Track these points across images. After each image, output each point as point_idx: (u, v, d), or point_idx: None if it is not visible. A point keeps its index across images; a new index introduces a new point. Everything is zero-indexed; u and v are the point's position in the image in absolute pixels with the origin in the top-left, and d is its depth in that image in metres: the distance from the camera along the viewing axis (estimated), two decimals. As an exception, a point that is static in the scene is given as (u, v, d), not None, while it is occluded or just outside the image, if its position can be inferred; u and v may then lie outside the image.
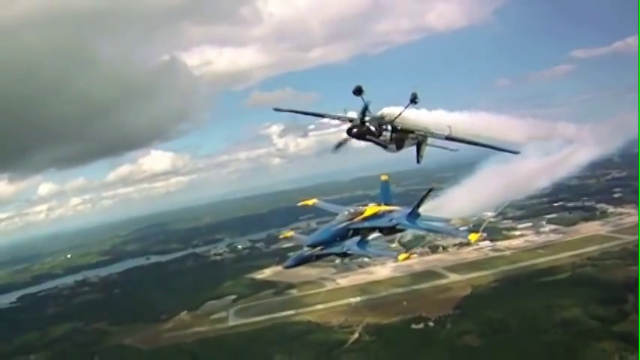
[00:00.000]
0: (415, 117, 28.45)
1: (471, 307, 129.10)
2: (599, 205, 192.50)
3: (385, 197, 36.27)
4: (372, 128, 27.62)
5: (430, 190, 32.89)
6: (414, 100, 26.23)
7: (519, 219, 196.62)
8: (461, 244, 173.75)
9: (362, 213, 33.76)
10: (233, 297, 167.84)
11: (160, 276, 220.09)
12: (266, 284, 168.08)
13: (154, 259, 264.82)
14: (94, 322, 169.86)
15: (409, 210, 33.36)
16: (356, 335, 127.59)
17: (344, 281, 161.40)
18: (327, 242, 32.69)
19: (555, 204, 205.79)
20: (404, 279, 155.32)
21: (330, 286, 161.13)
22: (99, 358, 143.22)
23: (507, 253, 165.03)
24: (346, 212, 33.86)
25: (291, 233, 40.40)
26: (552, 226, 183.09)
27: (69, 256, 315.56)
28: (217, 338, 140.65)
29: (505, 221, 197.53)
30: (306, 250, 32.98)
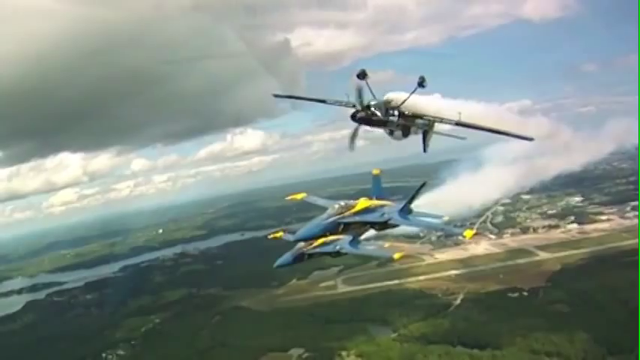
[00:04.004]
0: (424, 104, 28.59)
1: (561, 281, 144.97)
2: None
3: (377, 192, 37.20)
4: (378, 113, 27.59)
5: (422, 185, 33.91)
6: (421, 84, 26.20)
7: (606, 204, 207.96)
8: (550, 226, 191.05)
9: (353, 207, 34.27)
10: (339, 268, 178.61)
11: (259, 249, 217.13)
12: (368, 257, 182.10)
13: (248, 234, 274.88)
14: (207, 288, 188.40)
15: (401, 205, 34.39)
16: (458, 301, 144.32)
17: (442, 256, 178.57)
18: (317, 237, 33.43)
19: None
20: (498, 255, 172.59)
21: (429, 260, 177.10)
22: (220, 318, 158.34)
23: (594, 235, 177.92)
24: (336, 206, 34.15)
25: (280, 234, 39.93)
26: (637, 212, 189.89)
27: (160, 231, 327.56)
28: (331, 302, 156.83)
29: (592, 206, 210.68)
30: (298, 250, 34.51)
